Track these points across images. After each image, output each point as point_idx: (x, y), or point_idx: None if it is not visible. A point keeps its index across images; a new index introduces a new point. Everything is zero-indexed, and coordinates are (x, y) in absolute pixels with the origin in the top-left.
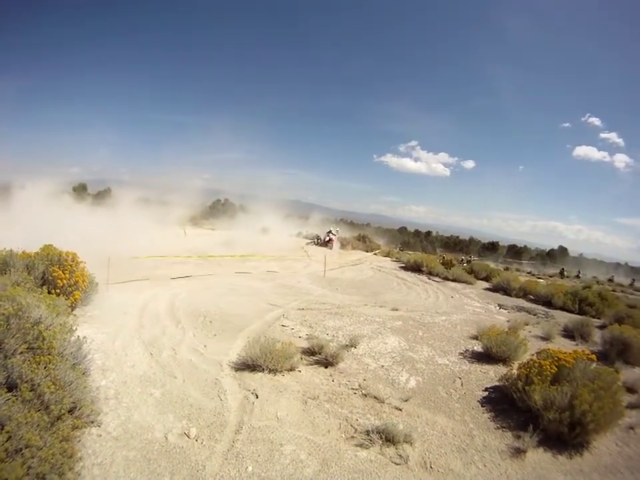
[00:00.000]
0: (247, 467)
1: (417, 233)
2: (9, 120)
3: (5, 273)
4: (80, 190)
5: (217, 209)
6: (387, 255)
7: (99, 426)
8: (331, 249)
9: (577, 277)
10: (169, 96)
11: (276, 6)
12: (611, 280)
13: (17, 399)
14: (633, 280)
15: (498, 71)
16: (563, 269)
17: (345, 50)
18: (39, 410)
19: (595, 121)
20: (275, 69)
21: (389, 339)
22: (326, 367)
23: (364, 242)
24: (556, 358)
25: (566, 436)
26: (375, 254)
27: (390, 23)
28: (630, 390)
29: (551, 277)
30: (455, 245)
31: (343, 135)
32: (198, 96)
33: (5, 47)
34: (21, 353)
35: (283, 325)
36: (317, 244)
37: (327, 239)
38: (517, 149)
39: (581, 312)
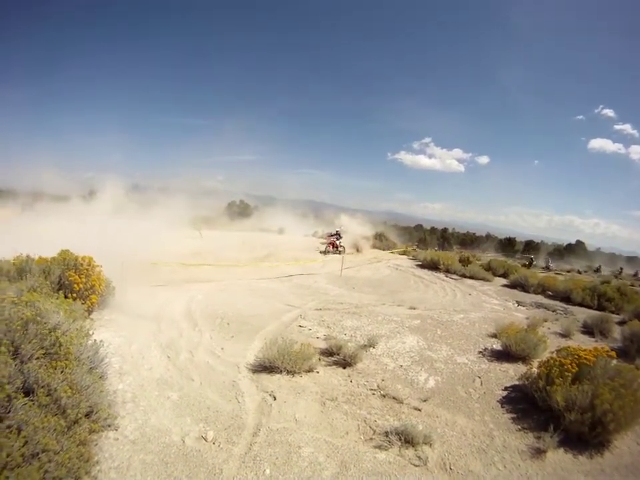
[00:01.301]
0: (265, 470)
1: (433, 230)
2: (24, 127)
3: (22, 279)
4: (92, 195)
5: (232, 210)
6: (404, 253)
7: (116, 429)
8: (340, 253)
9: (596, 271)
10: (182, 98)
11: (287, 7)
12: (620, 272)
13: (33, 404)
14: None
15: (510, 65)
16: (599, 265)
17: (356, 49)
18: (56, 414)
19: (609, 112)
20: (287, 69)
21: (407, 338)
22: (344, 368)
23: (380, 240)
24: (576, 356)
25: (587, 435)
26: (391, 252)
27: (401, 22)
28: None
29: (568, 272)
30: (471, 241)
31: (356, 134)
32: (211, 98)
33: (15, 54)
34: (38, 358)
35: (300, 326)
36: (325, 252)
37: (329, 242)
38: (531, 143)
39: (600, 307)
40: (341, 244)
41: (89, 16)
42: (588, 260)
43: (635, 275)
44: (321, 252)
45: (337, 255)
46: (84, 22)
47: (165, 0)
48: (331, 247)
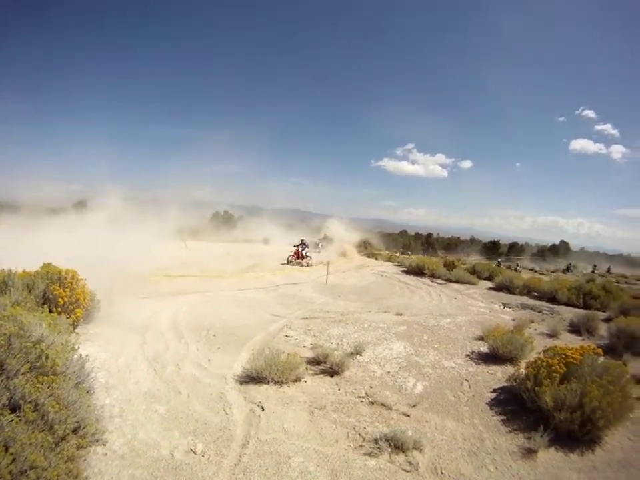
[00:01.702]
0: None
1: (417, 235)
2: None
3: (5, 293)
4: (80, 207)
5: (217, 220)
6: (389, 259)
7: (104, 444)
8: (306, 265)
9: (593, 271)
10: (167, 109)
11: (271, 16)
12: (608, 271)
13: (20, 420)
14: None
15: (490, 69)
16: (570, 264)
17: (337, 56)
18: (43, 430)
19: (590, 113)
20: (269, 79)
21: (394, 344)
22: (332, 376)
23: (365, 247)
24: (563, 355)
25: (577, 433)
26: (376, 259)
27: (382, 29)
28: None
29: (553, 272)
30: (456, 245)
31: (340, 142)
32: (199, 109)
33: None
34: (23, 373)
35: (286, 336)
36: (288, 262)
37: (293, 252)
38: (513, 146)
39: (586, 306)
40: (307, 253)
41: (77, 25)
42: (572, 260)
43: (608, 270)
44: (283, 263)
45: (322, 264)
46: (72, 31)
47: (154, 11)
48: (295, 256)
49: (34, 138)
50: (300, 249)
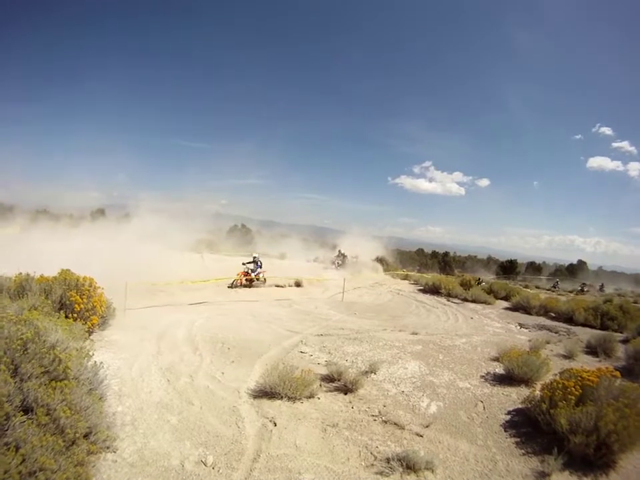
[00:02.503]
0: None
1: (434, 254)
2: (30, 145)
3: (23, 297)
4: (98, 215)
5: (234, 234)
6: (405, 277)
7: (115, 452)
8: (261, 281)
9: (581, 291)
10: (183, 122)
11: (289, 30)
12: (601, 289)
13: (32, 423)
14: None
15: (507, 87)
16: (583, 284)
17: (357, 73)
18: (54, 434)
19: (606, 130)
20: (285, 95)
21: (409, 363)
22: (345, 394)
23: (381, 265)
24: (579, 377)
25: (591, 457)
26: (392, 277)
27: (399, 46)
28: None
29: (571, 292)
30: (472, 264)
31: (358, 158)
32: (212, 123)
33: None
34: (37, 377)
35: (301, 352)
36: (232, 286)
37: (242, 273)
38: (531, 164)
39: (603, 327)
40: (259, 272)
41: (91, 31)
42: (590, 279)
43: (601, 287)
44: (229, 286)
45: (339, 281)
46: (90, 39)
47: (168, 23)
48: (243, 279)
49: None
50: (249, 270)
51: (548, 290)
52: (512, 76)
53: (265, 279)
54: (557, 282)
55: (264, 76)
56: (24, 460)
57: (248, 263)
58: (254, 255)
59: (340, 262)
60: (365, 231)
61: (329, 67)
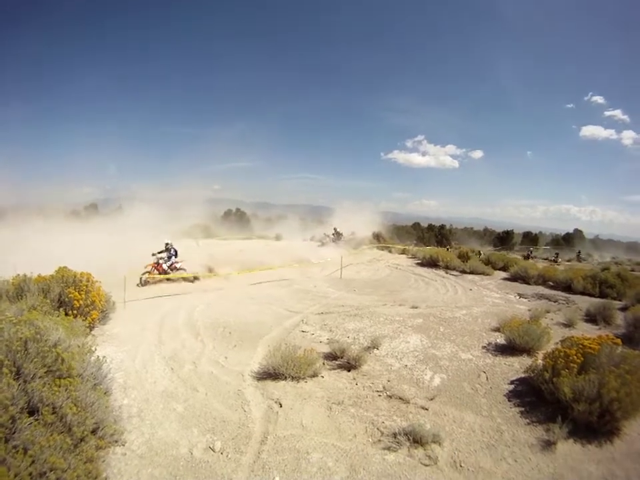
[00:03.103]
0: (274, 478)
1: (430, 227)
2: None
3: (21, 298)
4: (91, 209)
5: (228, 218)
6: (402, 252)
7: (123, 445)
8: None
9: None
10: (173, 109)
11: (278, 8)
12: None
13: (38, 423)
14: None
15: (498, 57)
16: (579, 251)
17: (347, 49)
18: (62, 432)
19: (598, 99)
20: (277, 73)
21: (411, 337)
22: (349, 371)
23: (378, 240)
24: (581, 345)
25: (595, 425)
26: (389, 252)
27: (389, 20)
28: None
29: (568, 261)
30: (469, 236)
31: (349, 135)
32: (202, 108)
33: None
34: (41, 377)
35: (302, 331)
36: (142, 283)
37: (152, 265)
38: (524, 134)
39: (602, 295)
40: (178, 264)
41: (79, 24)
42: (587, 248)
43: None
44: (138, 284)
45: (336, 258)
46: (77, 31)
47: (156, 9)
48: (155, 270)
49: (38, 141)
50: (161, 260)
51: (545, 259)
52: (502, 46)
53: (183, 270)
54: (557, 254)
55: (252, 56)
56: (33, 461)
57: (159, 252)
58: (166, 242)
59: (333, 239)
60: (360, 207)
61: (319, 44)
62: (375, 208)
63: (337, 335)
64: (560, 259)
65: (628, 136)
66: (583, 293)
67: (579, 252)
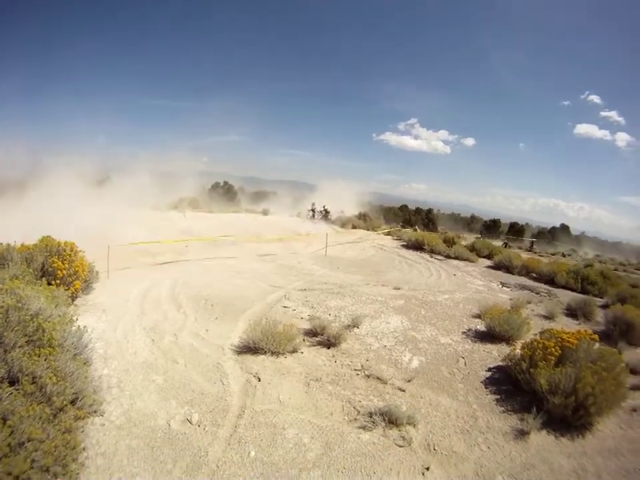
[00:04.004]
0: (250, 452)
1: (418, 210)
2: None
3: (4, 267)
4: (78, 179)
5: (216, 192)
6: (388, 233)
7: (102, 415)
8: None
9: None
10: (163, 82)
11: None
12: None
13: (18, 393)
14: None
15: (498, 48)
16: (532, 241)
17: (343, 31)
18: (41, 402)
19: (595, 98)
20: (274, 52)
21: (392, 318)
22: (328, 348)
23: (365, 220)
24: (559, 338)
25: (569, 418)
26: (376, 232)
27: (389, 4)
28: (633, 371)
29: (553, 255)
30: (456, 222)
31: (342, 115)
32: (197, 81)
33: None
34: (21, 346)
35: (284, 307)
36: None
37: None
38: (518, 126)
39: (584, 291)
40: None
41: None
42: (572, 244)
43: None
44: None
45: (329, 229)
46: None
47: None
48: None
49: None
50: None
51: (519, 248)
52: (501, 39)
53: None
54: (533, 242)
55: (247, 35)
56: (12, 432)
57: None
58: None
59: (320, 216)
60: (347, 185)
61: (314, 26)
62: (363, 187)
63: (318, 311)
64: (536, 248)
65: (622, 138)
66: (565, 287)
67: (532, 242)
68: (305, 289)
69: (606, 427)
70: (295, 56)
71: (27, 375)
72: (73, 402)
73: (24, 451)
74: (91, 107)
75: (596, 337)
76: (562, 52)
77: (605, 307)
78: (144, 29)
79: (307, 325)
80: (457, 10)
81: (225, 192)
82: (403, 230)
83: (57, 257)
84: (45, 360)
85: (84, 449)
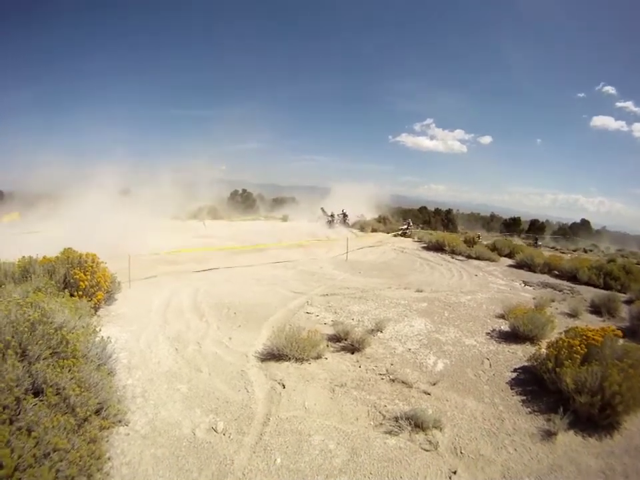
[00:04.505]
0: (276, 459)
1: (437, 211)
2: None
3: (27, 280)
4: (98, 191)
5: (235, 200)
6: (409, 235)
7: (127, 425)
8: None
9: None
10: (180, 91)
11: None
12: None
13: (43, 404)
14: None
15: (510, 44)
16: (535, 237)
17: (357, 32)
18: (66, 413)
19: (610, 89)
20: (288, 56)
21: (415, 321)
22: (352, 353)
23: (384, 223)
24: (584, 336)
25: (596, 417)
26: (395, 235)
27: (403, 4)
28: None
29: (574, 251)
30: (476, 221)
31: (357, 118)
32: (215, 89)
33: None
34: (45, 358)
35: (307, 312)
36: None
37: None
38: (534, 122)
39: (607, 286)
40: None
41: (88, 9)
42: (593, 239)
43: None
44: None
45: (349, 234)
46: (82, 14)
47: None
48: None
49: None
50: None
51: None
52: (514, 33)
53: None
54: (537, 238)
55: (263, 41)
56: (37, 442)
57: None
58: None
59: (339, 220)
60: (364, 188)
61: (328, 28)
62: (380, 190)
63: (341, 316)
64: (540, 244)
65: (639, 128)
66: (587, 284)
67: (536, 238)
68: (327, 294)
69: (633, 425)
70: (312, 59)
71: (51, 386)
72: (97, 412)
73: (49, 461)
74: (106, 119)
75: (619, 332)
76: (575, 42)
77: (629, 302)
78: (156, 37)
79: (330, 331)
80: (469, 6)
81: (244, 200)
82: (423, 231)
83: (78, 268)
84: (69, 371)
85: (109, 458)
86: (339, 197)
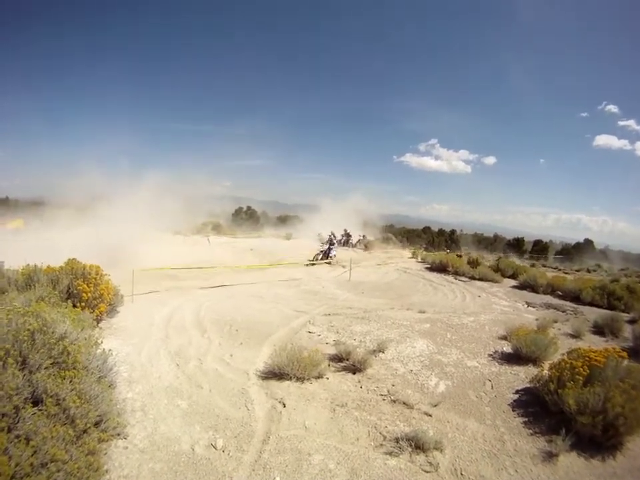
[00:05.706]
0: (275, 478)
1: (441, 232)
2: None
3: (30, 288)
4: (100, 203)
5: (239, 216)
6: (412, 255)
7: (126, 438)
8: None
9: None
10: (184, 106)
11: (291, 10)
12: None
13: (42, 414)
14: None
15: (512, 64)
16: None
17: (360, 51)
18: (65, 424)
19: (612, 108)
20: (291, 75)
21: (417, 342)
22: (354, 373)
23: (388, 243)
24: (587, 358)
25: (599, 438)
26: (399, 255)
27: (405, 23)
28: None
29: (577, 271)
30: (479, 242)
31: (361, 137)
32: (217, 105)
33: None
34: (46, 368)
35: (309, 332)
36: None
37: None
38: (537, 142)
39: (610, 306)
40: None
41: (92, 21)
42: (597, 258)
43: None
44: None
45: (353, 253)
46: (86, 27)
47: (170, 4)
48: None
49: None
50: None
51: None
52: (517, 53)
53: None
54: (539, 258)
55: (267, 58)
56: (35, 452)
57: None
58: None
59: (342, 240)
60: (351, 204)
61: (331, 46)
62: (385, 210)
63: (343, 336)
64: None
65: None
66: (591, 304)
67: (538, 258)
68: (329, 314)
69: (636, 446)
70: (313, 75)
71: (51, 397)
72: (96, 424)
73: (46, 471)
74: (110, 132)
75: (623, 353)
76: (578, 62)
77: (632, 322)
78: (163, 50)
79: (332, 350)
80: (472, 26)
81: (248, 217)
82: (426, 252)
83: (82, 279)
84: (70, 382)
85: (107, 471)
86: (328, 213)
